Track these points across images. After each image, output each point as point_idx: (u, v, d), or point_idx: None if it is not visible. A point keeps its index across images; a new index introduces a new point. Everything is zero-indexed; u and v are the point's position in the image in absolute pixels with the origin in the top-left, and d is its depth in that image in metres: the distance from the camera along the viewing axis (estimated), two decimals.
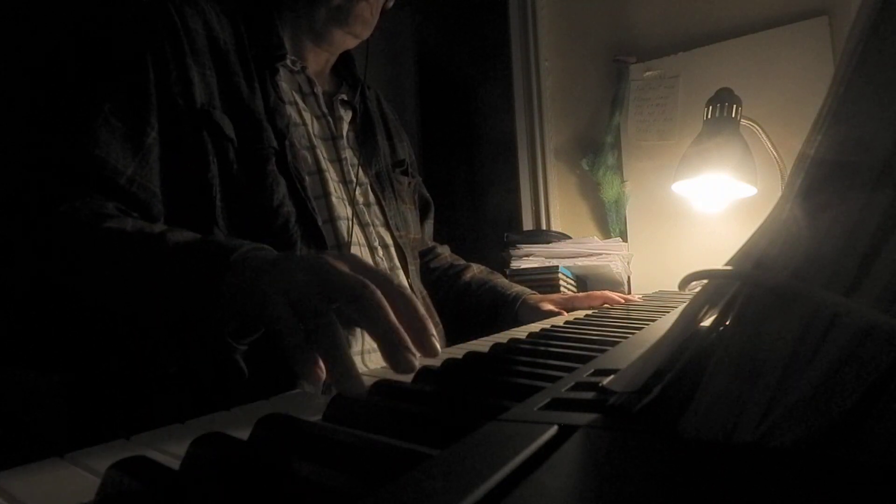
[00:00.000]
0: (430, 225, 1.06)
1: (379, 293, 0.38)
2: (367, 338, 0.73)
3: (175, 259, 0.48)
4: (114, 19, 0.67)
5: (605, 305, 0.92)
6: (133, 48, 0.64)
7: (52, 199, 0.56)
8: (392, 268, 0.82)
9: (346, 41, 0.83)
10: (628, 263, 1.39)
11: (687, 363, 0.21)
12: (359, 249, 0.77)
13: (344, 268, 0.40)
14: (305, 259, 0.42)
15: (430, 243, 1.06)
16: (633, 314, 0.75)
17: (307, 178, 0.73)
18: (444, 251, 1.07)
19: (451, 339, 0.84)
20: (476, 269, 1.04)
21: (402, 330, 0.37)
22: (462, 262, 1.06)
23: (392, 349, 0.37)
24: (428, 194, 1.06)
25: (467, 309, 0.98)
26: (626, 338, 0.49)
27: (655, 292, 1.21)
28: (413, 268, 0.87)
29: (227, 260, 0.45)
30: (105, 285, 0.50)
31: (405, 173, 0.96)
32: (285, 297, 0.38)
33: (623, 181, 1.51)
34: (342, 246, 0.74)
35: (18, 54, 0.90)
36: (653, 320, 0.65)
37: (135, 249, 0.50)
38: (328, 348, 0.36)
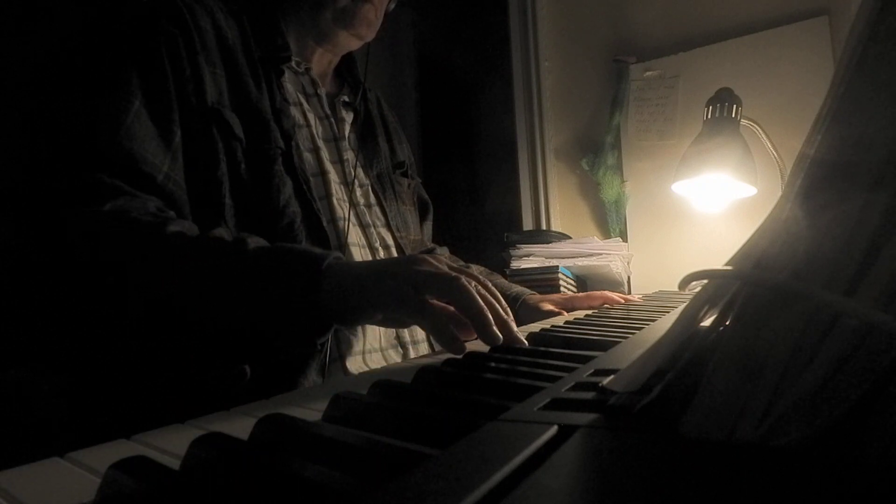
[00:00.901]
0: (429, 227, 1.07)
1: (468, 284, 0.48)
2: (368, 338, 0.73)
3: (265, 269, 0.51)
4: (127, 15, 0.67)
5: (605, 305, 0.92)
6: (150, 45, 0.65)
7: (92, 194, 0.56)
8: None
9: (350, 43, 0.84)
10: (628, 263, 1.39)
11: (687, 363, 0.21)
12: (359, 250, 0.77)
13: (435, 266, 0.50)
14: (403, 258, 0.52)
15: (430, 244, 1.06)
16: (633, 314, 0.75)
17: (311, 178, 0.73)
18: (444, 252, 1.07)
19: None
20: (475, 270, 1.05)
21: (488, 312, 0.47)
22: (461, 263, 1.06)
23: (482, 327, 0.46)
24: (427, 196, 1.06)
25: None
26: (626, 338, 0.49)
27: (655, 292, 1.20)
28: None
29: (321, 267, 0.50)
30: (177, 291, 0.52)
31: (405, 175, 0.96)
32: (413, 288, 0.48)
33: (623, 181, 1.51)
34: (343, 246, 0.74)
35: (30, 51, 0.90)
36: (653, 320, 0.64)
37: (214, 258, 0.53)
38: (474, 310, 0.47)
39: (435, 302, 0.49)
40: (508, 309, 0.50)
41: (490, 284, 0.51)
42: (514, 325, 0.48)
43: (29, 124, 0.82)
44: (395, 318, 0.53)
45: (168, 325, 0.54)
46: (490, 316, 0.46)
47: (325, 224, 0.71)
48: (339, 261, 0.52)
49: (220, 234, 0.57)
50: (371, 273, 0.50)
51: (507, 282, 1.04)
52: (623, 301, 0.93)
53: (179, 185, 0.63)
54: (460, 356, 0.43)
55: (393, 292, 0.48)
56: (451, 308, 0.50)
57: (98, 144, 0.59)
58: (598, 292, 0.95)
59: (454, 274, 0.48)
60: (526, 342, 0.48)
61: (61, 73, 0.85)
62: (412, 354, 0.78)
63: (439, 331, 0.46)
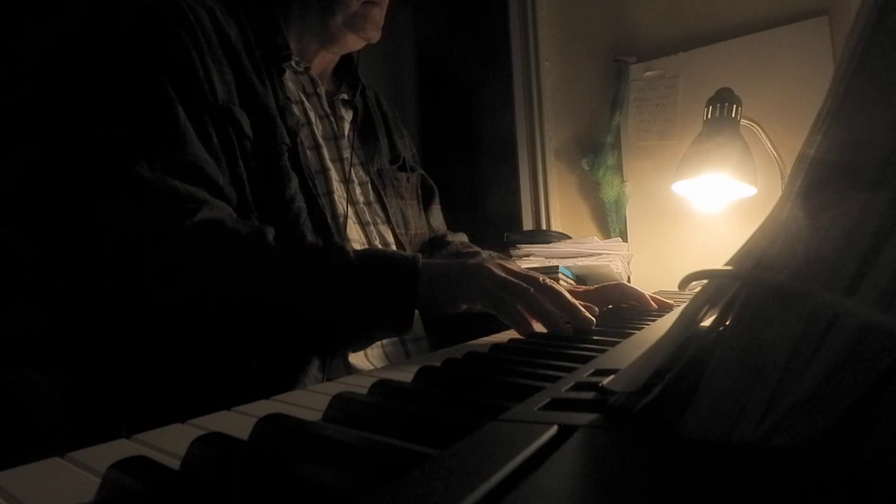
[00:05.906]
0: (437, 210, 1.02)
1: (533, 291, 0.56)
2: None
3: (370, 272, 0.58)
4: (130, 17, 0.67)
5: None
6: (166, 48, 0.65)
7: (174, 203, 0.58)
8: None
9: (357, 45, 0.84)
10: (628, 263, 1.39)
11: (687, 363, 0.21)
12: (359, 248, 0.77)
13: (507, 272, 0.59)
14: (479, 264, 0.61)
15: (442, 231, 1.01)
16: (633, 314, 0.75)
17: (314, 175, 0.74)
18: (456, 239, 1.01)
19: (452, 339, 0.84)
20: (485, 256, 0.96)
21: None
22: (472, 249, 0.99)
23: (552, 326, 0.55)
24: (431, 182, 1.03)
25: None
26: (626, 338, 0.49)
27: (655, 292, 1.20)
28: None
29: (417, 268, 0.58)
30: (284, 295, 0.58)
31: (403, 169, 0.95)
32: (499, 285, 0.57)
33: (623, 181, 1.51)
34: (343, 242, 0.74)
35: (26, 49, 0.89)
36: (653, 320, 0.64)
37: (321, 265, 0.58)
38: (557, 298, 0.58)
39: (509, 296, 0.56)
40: (574, 303, 0.58)
41: (555, 284, 0.60)
42: (581, 312, 0.57)
43: (51, 129, 0.81)
44: (473, 308, 0.61)
45: (252, 326, 0.59)
46: (555, 316, 0.56)
47: (329, 219, 0.72)
48: (424, 261, 0.60)
49: (314, 241, 0.62)
50: (454, 273, 0.59)
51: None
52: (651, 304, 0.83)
53: (231, 184, 0.65)
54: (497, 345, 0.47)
55: (477, 288, 0.57)
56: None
57: (162, 152, 0.60)
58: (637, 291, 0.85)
59: (525, 285, 0.56)
60: (594, 320, 0.57)
61: (68, 76, 0.84)
62: (412, 350, 0.78)
63: (512, 316, 0.56)
